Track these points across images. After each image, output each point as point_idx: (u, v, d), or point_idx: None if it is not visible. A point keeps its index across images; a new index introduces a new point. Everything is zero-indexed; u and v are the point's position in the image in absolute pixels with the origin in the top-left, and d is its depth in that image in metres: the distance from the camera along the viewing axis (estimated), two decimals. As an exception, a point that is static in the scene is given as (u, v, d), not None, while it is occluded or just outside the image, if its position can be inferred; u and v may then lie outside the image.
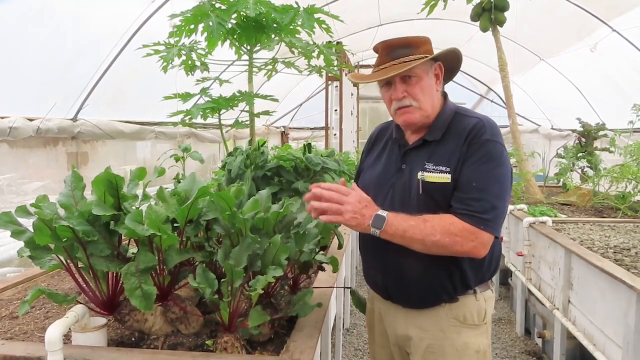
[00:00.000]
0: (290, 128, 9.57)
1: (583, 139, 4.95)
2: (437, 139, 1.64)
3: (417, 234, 1.50)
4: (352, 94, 7.19)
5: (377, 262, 1.74)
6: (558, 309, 3.03)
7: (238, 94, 3.09)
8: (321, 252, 1.90)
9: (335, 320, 2.85)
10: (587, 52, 5.69)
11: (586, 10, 5.33)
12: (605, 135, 4.87)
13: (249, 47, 3.11)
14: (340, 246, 2.52)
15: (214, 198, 1.57)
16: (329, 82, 6.12)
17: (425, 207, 1.58)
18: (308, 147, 2.65)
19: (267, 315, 1.46)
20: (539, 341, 3.87)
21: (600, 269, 2.43)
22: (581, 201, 4.37)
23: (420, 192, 1.60)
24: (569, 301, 2.92)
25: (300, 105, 9.53)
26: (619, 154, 4.36)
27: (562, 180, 4.83)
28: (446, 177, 1.57)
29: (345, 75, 6.33)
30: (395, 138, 1.75)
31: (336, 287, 2.20)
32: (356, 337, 4.19)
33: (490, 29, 4.74)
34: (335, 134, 5.93)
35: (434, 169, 1.59)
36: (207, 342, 1.45)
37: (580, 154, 4.84)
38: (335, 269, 1.89)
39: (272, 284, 1.61)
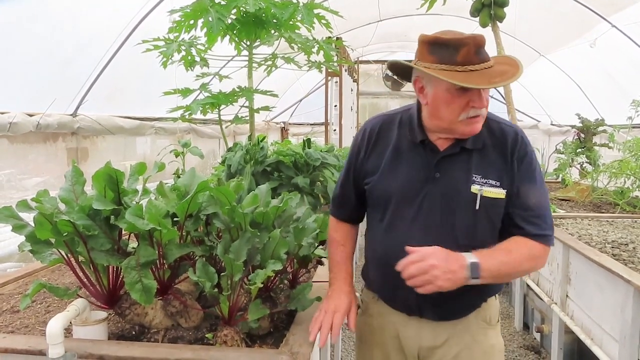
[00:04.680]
0: (290, 124, 9.56)
1: (582, 135, 4.95)
2: (479, 147, 1.52)
3: (510, 269, 1.46)
4: (351, 90, 7.19)
5: None
6: (556, 304, 3.04)
7: (238, 90, 3.11)
8: (320, 246, 1.91)
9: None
10: (586, 48, 5.69)
11: (585, 6, 5.32)
12: (604, 131, 4.88)
13: (248, 43, 3.12)
14: (339, 241, 2.53)
15: (214, 193, 1.58)
16: (329, 77, 6.12)
17: (478, 222, 1.50)
18: (307, 143, 2.66)
19: (266, 309, 1.48)
20: (537, 336, 3.89)
21: (598, 263, 2.44)
22: (580, 197, 4.38)
23: (477, 207, 1.48)
24: (567, 296, 2.94)
25: (300, 101, 9.52)
26: (617, 149, 4.37)
27: (561, 175, 4.84)
28: (502, 193, 1.49)
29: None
30: (422, 141, 1.55)
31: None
32: (355, 332, 4.19)
33: (489, 25, 4.73)
34: (335, 130, 5.93)
35: (484, 182, 1.49)
36: (207, 336, 1.47)
37: (579, 150, 4.85)
38: (334, 263, 1.90)
39: (272, 278, 1.62)
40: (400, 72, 1.60)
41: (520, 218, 1.50)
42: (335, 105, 5.95)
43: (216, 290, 1.41)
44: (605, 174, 4.33)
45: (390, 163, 1.58)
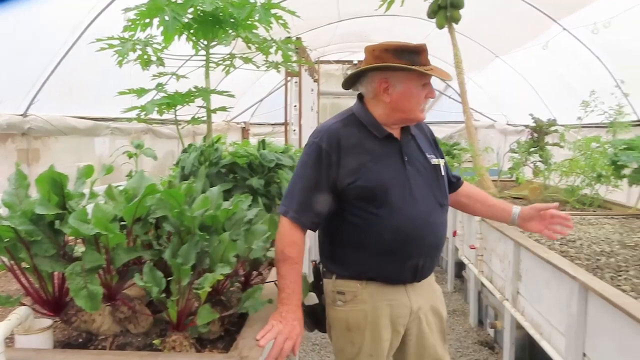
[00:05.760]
0: (250, 124, 9.48)
1: (535, 134, 5.09)
2: (417, 134, 1.95)
3: None
4: (312, 90, 7.20)
5: (426, 246, 1.84)
6: (508, 300, 3.13)
7: (194, 90, 3.07)
8: (272, 248, 1.90)
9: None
10: (539, 49, 5.83)
11: (538, 9, 5.46)
12: (556, 131, 5.02)
13: (206, 42, 3.09)
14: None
15: (163, 196, 1.56)
16: (288, 78, 6.11)
17: (444, 186, 1.93)
18: (262, 144, 2.65)
19: (216, 313, 1.47)
20: (491, 331, 3.99)
21: (546, 260, 2.52)
22: (532, 195, 4.51)
23: (443, 173, 1.92)
24: (517, 292, 3.02)
25: (261, 100, 9.47)
26: (568, 148, 4.51)
27: (515, 174, 4.96)
28: (442, 162, 1.96)
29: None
30: (387, 135, 1.85)
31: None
32: (314, 332, 4.21)
33: (446, 26, 4.81)
34: (294, 130, 5.93)
35: (432, 157, 1.92)
36: (154, 342, 1.45)
37: (532, 149, 4.98)
38: (288, 265, 1.90)
39: (222, 282, 1.61)
40: (351, 79, 1.90)
41: (452, 176, 2.10)
42: (295, 106, 5.95)
43: (164, 295, 1.39)
44: (557, 172, 4.47)
45: (372, 158, 1.80)
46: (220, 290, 1.63)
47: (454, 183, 2.12)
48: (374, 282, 1.83)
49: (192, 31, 2.98)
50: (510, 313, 3.08)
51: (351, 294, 1.84)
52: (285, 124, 6.02)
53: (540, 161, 4.94)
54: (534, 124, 5.09)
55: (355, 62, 9.29)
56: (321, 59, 8.62)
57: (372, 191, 1.76)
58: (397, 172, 1.81)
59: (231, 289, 1.73)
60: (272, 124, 9.29)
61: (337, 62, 9.20)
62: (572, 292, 2.26)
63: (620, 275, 2.30)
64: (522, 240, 2.88)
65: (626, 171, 3.71)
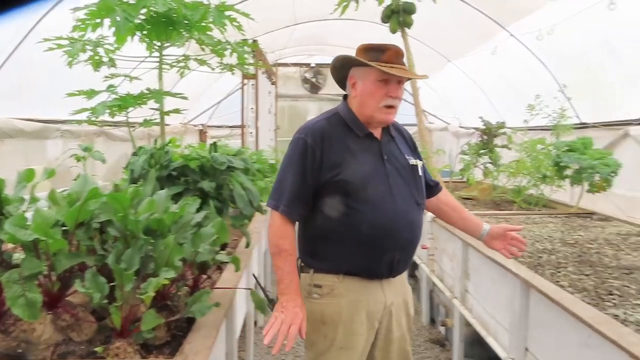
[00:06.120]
0: (209, 126, 9.37)
1: (485, 137, 5.23)
2: (395, 135, 2.02)
3: None
4: (269, 92, 7.19)
5: (402, 241, 1.89)
6: (457, 298, 3.21)
7: (147, 92, 3.02)
8: (222, 251, 1.90)
9: (245, 319, 2.86)
10: (489, 54, 6.01)
11: (487, 16, 5.63)
12: (504, 133, 5.18)
13: (159, 44, 3.05)
14: (247, 245, 2.55)
15: (107, 199, 1.54)
16: (245, 80, 6.10)
17: (421, 185, 2.00)
18: (214, 147, 2.64)
19: (161, 318, 1.46)
20: (442, 329, 4.08)
21: (491, 259, 2.60)
22: (481, 195, 4.64)
23: (420, 173, 1.98)
24: (466, 290, 3.11)
25: (219, 103, 9.37)
26: (515, 150, 4.67)
27: (465, 175, 5.08)
28: (420, 163, 2.03)
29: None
30: (368, 134, 1.93)
31: (240, 287, 2.21)
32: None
33: (399, 31, 4.90)
34: (251, 132, 5.92)
35: (410, 158, 1.99)
36: (96, 349, 1.42)
37: (482, 151, 5.11)
38: (237, 268, 1.91)
39: (168, 286, 1.60)
40: (339, 75, 1.99)
41: (429, 180, 2.14)
42: (252, 108, 5.93)
43: (106, 301, 1.37)
44: (505, 173, 4.62)
45: (353, 154, 1.88)
46: (167, 295, 1.62)
47: (433, 187, 2.17)
48: (352, 276, 1.88)
49: (145, 32, 2.94)
50: (460, 311, 3.17)
51: (328, 287, 1.88)
52: (242, 126, 5.99)
53: (489, 162, 5.08)
54: (484, 127, 5.24)
55: (313, 65, 9.36)
56: (279, 61, 8.62)
57: (352, 186, 1.82)
58: (377, 169, 1.89)
59: (179, 293, 1.72)
60: (231, 127, 9.19)
61: (295, 64, 9.23)
62: (515, 289, 2.35)
63: (559, 272, 2.41)
64: (469, 240, 2.96)
65: (568, 172, 3.87)
